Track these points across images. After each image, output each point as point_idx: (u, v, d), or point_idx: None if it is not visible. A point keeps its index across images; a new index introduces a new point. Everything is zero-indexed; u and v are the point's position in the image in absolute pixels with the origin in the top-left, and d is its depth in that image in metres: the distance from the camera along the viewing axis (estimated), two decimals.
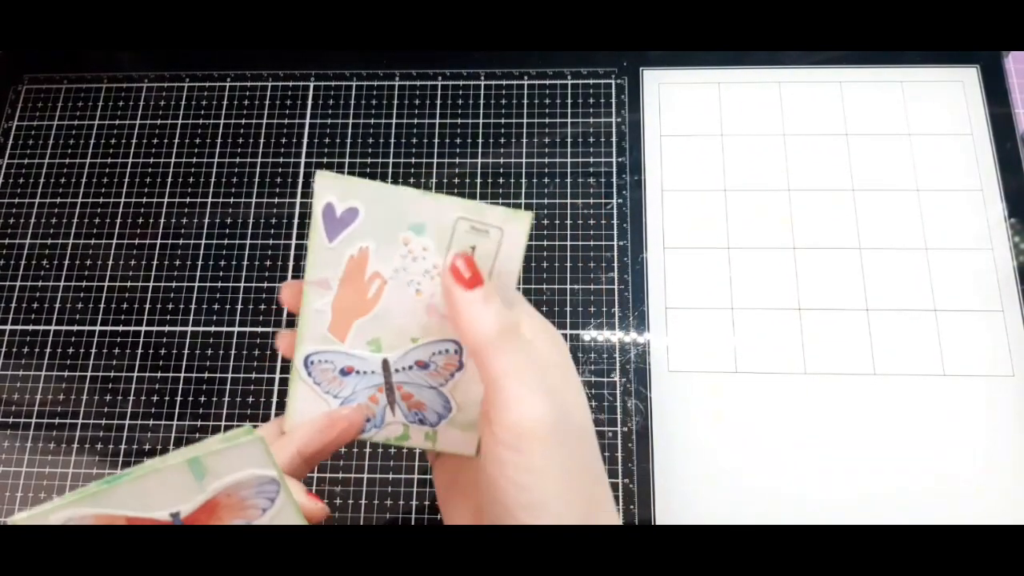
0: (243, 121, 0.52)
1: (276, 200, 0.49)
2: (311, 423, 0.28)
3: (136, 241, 0.49)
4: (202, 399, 0.45)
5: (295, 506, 0.25)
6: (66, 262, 0.48)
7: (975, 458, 0.42)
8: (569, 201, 0.48)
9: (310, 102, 0.52)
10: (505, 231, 0.26)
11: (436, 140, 0.50)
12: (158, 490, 0.22)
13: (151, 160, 0.51)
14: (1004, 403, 0.43)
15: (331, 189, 0.25)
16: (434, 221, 0.26)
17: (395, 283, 0.26)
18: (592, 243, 0.47)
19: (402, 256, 0.26)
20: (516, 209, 0.26)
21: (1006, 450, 0.42)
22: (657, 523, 0.41)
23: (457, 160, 0.50)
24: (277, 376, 0.45)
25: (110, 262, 0.48)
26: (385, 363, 0.27)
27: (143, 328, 0.47)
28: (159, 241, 0.49)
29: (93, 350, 0.46)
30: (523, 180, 0.49)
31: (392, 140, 0.50)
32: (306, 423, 0.28)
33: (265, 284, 0.47)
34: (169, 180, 0.50)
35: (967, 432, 0.42)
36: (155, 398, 0.45)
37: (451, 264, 0.25)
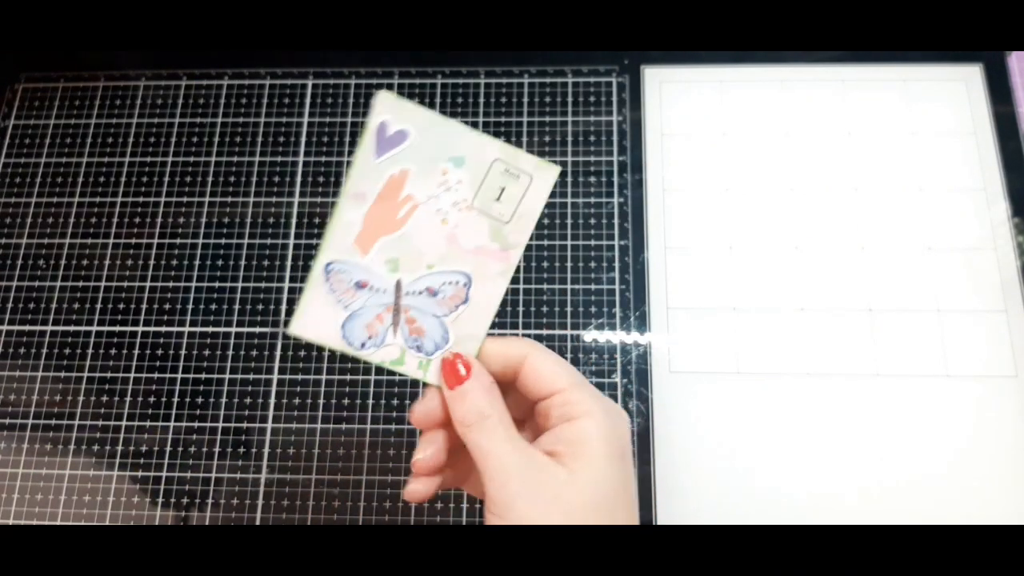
0: (241, 120, 0.51)
1: (274, 199, 0.49)
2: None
3: (133, 241, 0.48)
4: (199, 400, 0.44)
5: None
6: (63, 262, 0.48)
7: (978, 459, 0.41)
8: (570, 200, 0.48)
9: (308, 100, 0.51)
10: (534, 178, 0.28)
11: None
12: None
13: (148, 159, 0.50)
14: (1007, 404, 0.42)
15: (388, 109, 0.28)
16: (473, 157, 0.28)
17: (425, 208, 0.28)
18: (593, 243, 0.47)
19: (437, 184, 0.28)
20: (547, 161, 0.28)
21: (1009, 451, 0.41)
22: (658, 524, 0.40)
23: None
24: (275, 377, 0.45)
25: (107, 262, 0.48)
26: (398, 284, 0.29)
27: (140, 328, 0.46)
28: (156, 241, 0.48)
29: (90, 350, 0.46)
30: None
31: None
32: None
33: (263, 284, 0.47)
34: (167, 179, 0.50)
35: (970, 433, 0.42)
36: (152, 399, 0.45)
37: (442, 363, 0.29)
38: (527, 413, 0.30)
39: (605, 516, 0.27)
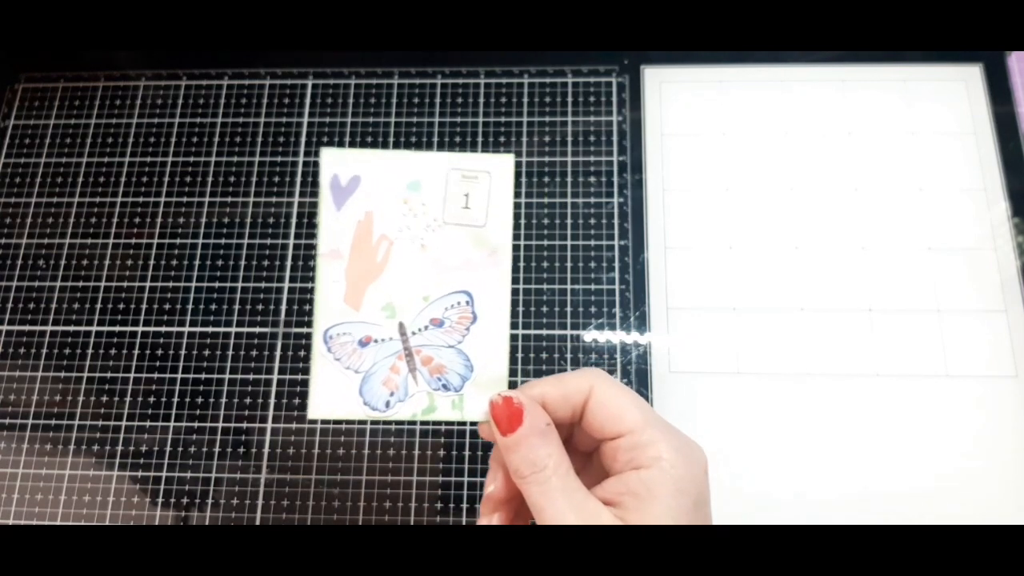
0: (241, 120, 0.51)
1: (274, 199, 0.49)
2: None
3: (133, 241, 0.48)
4: (199, 400, 0.44)
5: None
6: (63, 262, 0.48)
7: (978, 459, 0.41)
8: (569, 200, 0.48)
9: (308, 100, 0.51)
10: (492, 174, 0.28)
11: (435, 139, 0.50)
12: None
13: (148, 159, 0.50)
14: (1007, 404, 0.42)
15: (336, 161, 0.28)
16: (428, 176, 0.28)
17: (400, 242, 0.28)
18: (593, 243, 0.47)
19: (403, 215, 0.28)
20: (499, 153, 0.28)
21: (1009, 450, 0.41)
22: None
23: None
24: (275, 377, 0.45)
25: (107, 262, 0.48)
26: (401, 326, 0.28)
27: (140, 328, 0.46)
28: (156, 241, 0.48)
29: (90, 351, 0.46)
30: (523, 179, 0.48)
31: (391, 138, 0.50)
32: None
33: (263, 284, 0.47)
34: (166, 179, 0.50)
35: (970, 433, 0.42)
36: (152, 399, 0.45)
37: (491, 406, 0.26)
38: (595, 447, 0.28)
39: None
